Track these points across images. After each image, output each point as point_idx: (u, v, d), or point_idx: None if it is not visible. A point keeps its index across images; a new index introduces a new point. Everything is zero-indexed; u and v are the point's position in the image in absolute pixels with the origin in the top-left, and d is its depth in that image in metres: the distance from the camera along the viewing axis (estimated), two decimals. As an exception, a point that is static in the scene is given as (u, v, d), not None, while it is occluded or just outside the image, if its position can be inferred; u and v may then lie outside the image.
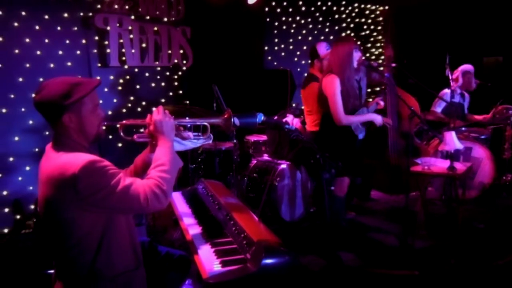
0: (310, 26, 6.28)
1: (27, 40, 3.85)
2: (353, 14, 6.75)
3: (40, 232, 2.95)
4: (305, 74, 6.25)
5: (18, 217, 3.72)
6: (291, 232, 3.79)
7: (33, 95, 1.57)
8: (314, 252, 3.29)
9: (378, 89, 6.34)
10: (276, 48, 5.97)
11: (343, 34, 6.61)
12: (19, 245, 3.02)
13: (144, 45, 4.64)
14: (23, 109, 3.79)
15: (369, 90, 6.61)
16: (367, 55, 6.83)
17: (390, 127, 3.83)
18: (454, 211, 3.69)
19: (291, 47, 6.12)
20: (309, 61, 4.11)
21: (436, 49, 5.46)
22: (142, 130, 1.99)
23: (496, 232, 3.65)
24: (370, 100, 5.97)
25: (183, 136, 1.90)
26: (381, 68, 3.68)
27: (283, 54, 6.04)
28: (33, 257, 2.84)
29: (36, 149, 3.87)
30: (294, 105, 5.97)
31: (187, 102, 5.03)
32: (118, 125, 1.86)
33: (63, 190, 1.45)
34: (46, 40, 3.96)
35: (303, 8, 6.14)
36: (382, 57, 6.59)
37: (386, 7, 6.72)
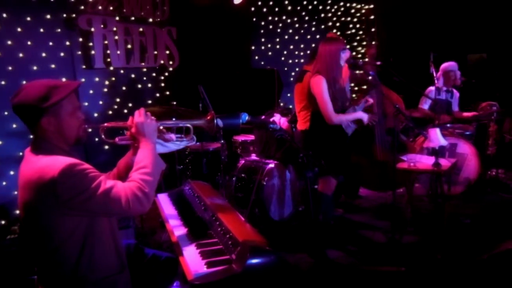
0: (297, 25, 6.31)
1: (9, 42, 3.79)
2: (339, 13, 6.79)
3: (22, 237, 2.90)
4: (297, 69, 6.30)
5: (3, 222, 3.67)
6: (280, 231, 3.80)
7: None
8: (303, 251, 3.31)
9: (365, 87, 6.39)
10: (263, 47, 5.98)
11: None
12: (4, 250, 2.97)
13: (129, 46, 4.61)
14: (6, 113, 3.74)
15: (356, 88, 6.66)
16: (354, 53, 6.87)
17: (376, 124, 3.86)
18: (440, 207, 3.74)
19: (277, 46, 6.13)
20: (309, 59, 4.06)
21: (421, 46, 5.52)
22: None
23: (481, 227, 3.71)
24: (355, 96, 6.04)
25: (165, 138, 1.88)
26: (366, 66, 3.70)
27: (270, 53, 6.05)
28: (18, 263, 2.80)
29: (20, 153, 3.82)
30: (281, 104, 6.00)
31: (174, 103, 5.01)
32: (103, 128, 1.82)
33: (42, 195, 1.43)
34: (29, 42, 3.91)
35: (289, 8, 6.15)
36: (367, 55, 6.63)
37: (371, 6, 6.77)
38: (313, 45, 6.41)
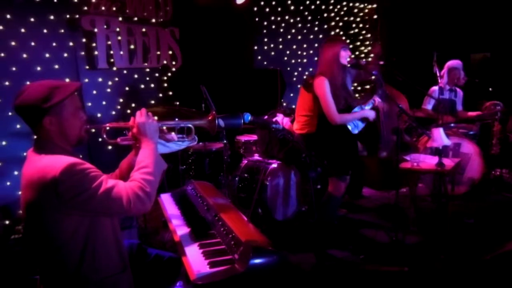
0: (299, 25, 6.30)
1: (13, 43, 3.80)
2: (342, 13, 6.78)
3: (25, 237, 2.92)
4: (300, 69, 6.30)
5: (7, 222, 3.68)
6: (283, 231, 3.79)
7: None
8: (306, 251, 3.30)
9: (368, 86, 6.37)
10: (265, 47, 5.98)
11: (332, 33, 6.64)
12: (8, 250, 2.99)
13: (132, 46, 4.62)
14: (10, 113, 3.75)
15: (359, 88, 6.65)
16: (357, 53, 6.86)
17: (381, 123, 3.83)
18: (444, 207, 3.72)
19: (280, 46, 6.13)
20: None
21: (424, 46, 5.50)
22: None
23: (485, 227, 3.69)
24: (358, 96, 6.03)
25: (167, 138, 1.88)
26: (369, 66, 3.68)
27: (272, 53, 6.04)
28: (22, 263, 2.82)
29: (24, 154, 3.73)
30: (284, 104, 5.99)
31: (177, 103, 5.01)
32: (104, 128, 1.83)
33: (44, 194, 1.43)
34: (33, 43, 3.92)
35: (292, 7, 6.15)
36: (372, 55, 6.62)
37: (374, 5, 6.76)
38: (316, 44, 6.42)
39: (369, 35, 6.90)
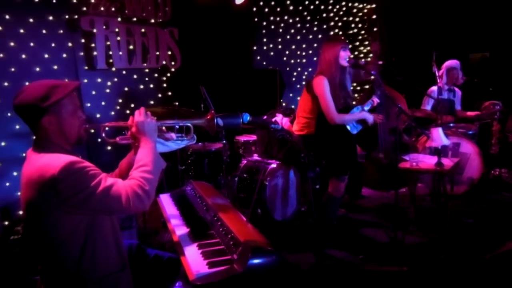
0: (298, 25, 6.30)
1: (12, 44, 3.80)
2: (341, 13, 6.78)
3: (25, 236, 2.92)
4: (299, 69, 6.29)
5: (6, 223, 3.67)
6: (282, 231, 3.79)
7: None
8: (305, 251, 3.30)
9: (367, 87, 6.38)
10: (264, 48, 5.98)
11: (331, 33, 6.65)
12: (7, 251, 2.98)
13: (131, 47, 4.62)
14: (9, 114, 3.74)
15: (358, 88, 6.65)
16: (356, 53, 6.86)
17: (380, 122, 3.84)
18: (443, 207, 3.72)
19: (279, 46, 6.13)
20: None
21: (423, 46, 5.50)
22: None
23: (485, 227, 3.69)
24: (357, 96, 6.03)
25: (166, 137, 1.88)
26: (368, 66, 3.68)
27: (272, 53, 6.04)
28: (21, 263, 2.81)
29: (23, 154, 3.74)
30: (284, 104, 6.00)
31: (176, 103, 5.01)
32: (103, 128, 1.83)
33: (43, 192, 1.44)
34: (32, 44, 3.92)
35: (291, 8, 6.15)
36: (371, 54, 6.63)
37: (373, 5, 6.76)
38: (315, 45, 6.42)
39: (368, 35, 6.91)
